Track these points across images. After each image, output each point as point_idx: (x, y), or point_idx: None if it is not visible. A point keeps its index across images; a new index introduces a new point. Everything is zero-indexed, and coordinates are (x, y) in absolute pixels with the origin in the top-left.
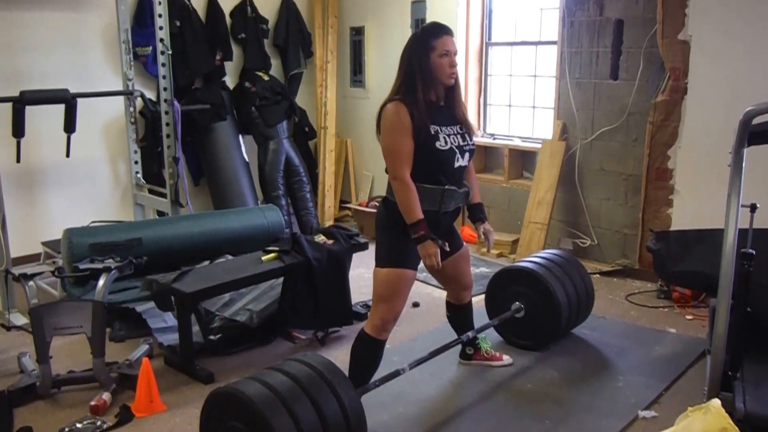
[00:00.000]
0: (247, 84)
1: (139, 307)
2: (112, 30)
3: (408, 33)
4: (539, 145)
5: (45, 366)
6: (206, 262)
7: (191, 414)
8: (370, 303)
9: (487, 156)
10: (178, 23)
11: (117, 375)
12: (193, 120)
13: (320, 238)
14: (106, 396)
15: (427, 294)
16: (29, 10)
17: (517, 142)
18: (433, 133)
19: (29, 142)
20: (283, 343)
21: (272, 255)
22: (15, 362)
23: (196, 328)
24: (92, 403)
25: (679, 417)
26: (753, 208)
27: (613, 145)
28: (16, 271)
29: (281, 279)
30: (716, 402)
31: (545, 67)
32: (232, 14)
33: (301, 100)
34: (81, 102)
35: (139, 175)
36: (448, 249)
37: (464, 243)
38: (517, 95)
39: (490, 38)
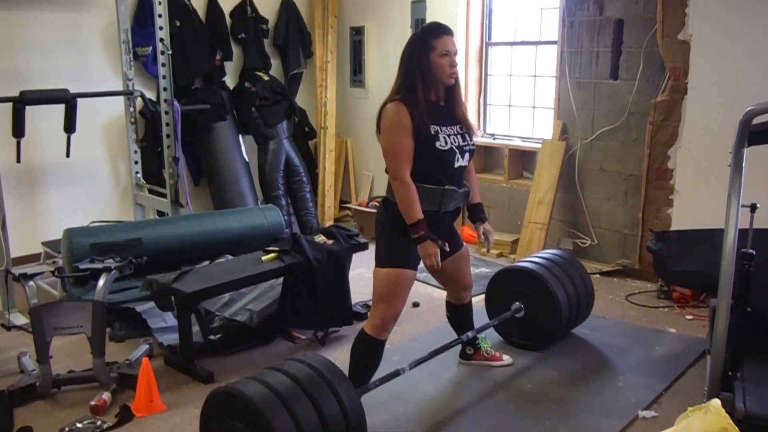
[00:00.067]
0: (247, 84)
1: (139, 307)
2: (112, 30)
3: (408, 33)
4: (539, 145)
5: (45, 366)
6: (206, 262)
7: (191, 414)
8: (370, 303)
9: (487, 156)
10: (178, 23)
11: (117, 375)
12: (193, 120)
13: (320, 238)
14: (106, 396)
15: (427, 294)
16: (29, 10)
17: (517, 142)
18: (433, 133)
19: (29, 142)
20: (283, 343)
21: (272, 255)
22: (15, 362)
23: (196, 328)
24: (92, 402)
25: (679, 417)
26: (753, 208)
27: (613, 145)
28: (16, 271)
29: (281, 279)
30: (716, 402)
31: (545, 67)
32: (232, 14)
33: (301, 100)
34: (81, 102)
35: (139, 175)
36: (447, 249)
37: (464, 243)
38: (517, 95)
39: (490, 38)
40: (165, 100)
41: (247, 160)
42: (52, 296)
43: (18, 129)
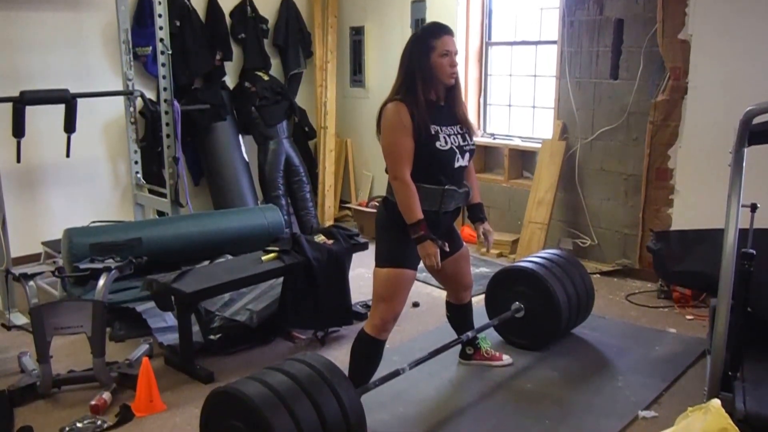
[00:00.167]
0: (247, 84)
1: (139, 307)
2: (112, 30)
3: (408, 33)
4: (539, 145)
5: (45, 365)
6: (206, 262)
7: (191, 413)
8: (370, 303)
9: (487, 156)
10: (178, 23)
11: (117, 374)
12: (193, 120)
13: (320, 238)
14: (106, 395)
15: (427, 294)
16: (29, 10)
17: (517, 142)
18: (433, 133)
19: (29, 142)
20: (283, 343)
21: (272, 255)
22: (15, 362)
23: (196, 327)
24: (92, 402)
25: (679, 417)
26: (753, 207)
27: (614, 145)
28: (17, 270)
29: (281, 279)
30: (716, 402)
31: (545, 67)
32: (231, 14)
33: (301, 100)
34: (81, 102)
35: (139, 175)
36: (447, 249)
37: (464, 243)
38: (517, 95)
39: (490, 38)
40: (165, 100)
41: (247, 160)
42: (53, 296)
43: (18, 129)
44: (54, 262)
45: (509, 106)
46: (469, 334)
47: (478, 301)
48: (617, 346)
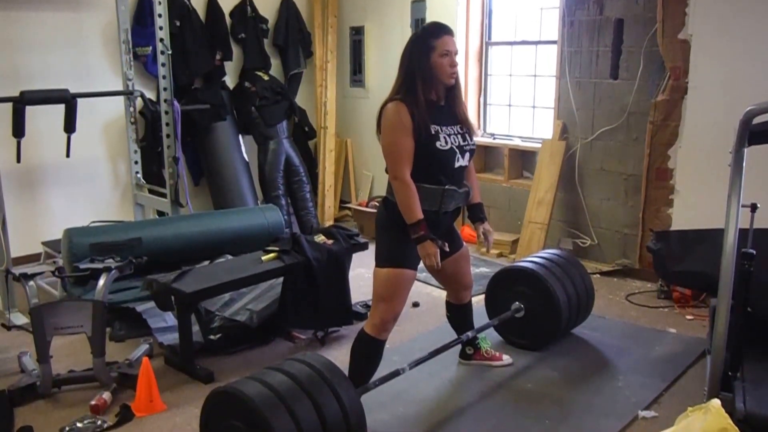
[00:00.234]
0: (247, 84)
1: (139, 307)
2: (112, 30)
3: (408, 33)
4: (539, 145)
5: (45, 365)
6: (206, 262)
7: (191, 413)
8: (370, 303)
9: (487, 156)
10: (178, 23)
11: (117, 374)
12: (193, 120)
13: (320, 238)
14: (106, 395)
15: (427, 294)
16: (30, 10)
17: (517, 142)
18: (433, 132)
19: (29, 142)
20: (283, 343)
21: (272, 255)
22: (15, 362)
23: (196, 327)
24: (92, 402)
25: (679, 417)
26: (753, 207)
27: (614, 145)
28: (17, 270)
29: (281, 279)
30: (716, 402)
31: (545, 67)
32: (231, 14)
33: (300, 99)
34: (81, 102)
35: (139, 175)
36: (447, 249)
37: (464, 243)
38: (517, 95)
39: (490, 38)
40: (165, 100)
41: (247, 160)
42: (53, 296)
43: (18, 129)
44: (54, 262)
45: (509, 106)
46: (469, 334)
47: (478, 301)
48: (617, 346)
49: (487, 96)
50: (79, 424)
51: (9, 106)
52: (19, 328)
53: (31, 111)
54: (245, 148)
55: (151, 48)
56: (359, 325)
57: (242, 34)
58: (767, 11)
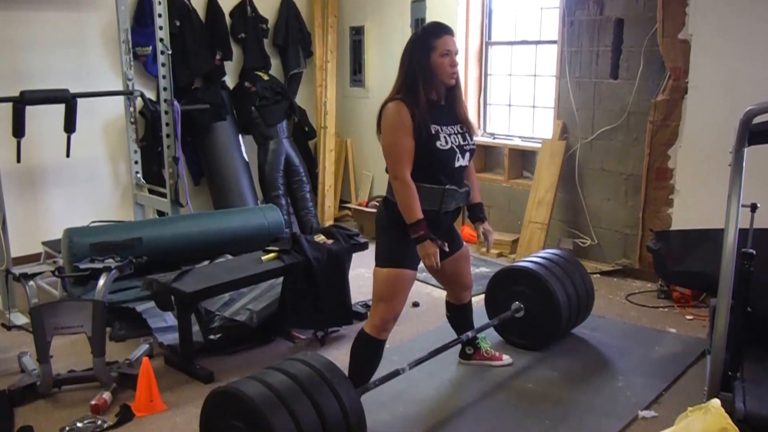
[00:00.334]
0: (247, 84)
1: (139, 307)
2: (112, 30)
3: (408, 33)
4: (539, 145)
5: (45, 365)
6: (206, 262)
7: (191, 413)
8: (370, 303)
9: (487, 156)
10: (178, 23)
11: (117, 374)
12: (193, 120)
13: (320, 238)
14: (106, 395)
15: (427, 294)
16: (30, 10)
17: (517, 142)
18: (433, 132)
19: (29, 142)
20: (283, 343)
21: (272, 255)
22: (16, 362)
23: (196, 327)
24: (93, 402)
25: (679, 417)
26: (753, 207)
27: (614, 145)
28: (17, 270)
29: (281, 279)
30: (716, 402)
31: (545, 67)
32: (231, 14)
33: (300, 99)
34: (81, 102)
35: (139, 175)
36: (447, 249)
37: (464, 243)
38: (517, 95)
39: (490, 37)
40: (165, 100)
41: (247, 160)
42: (53, 296)
43: (18, 129)
44: (54, 262)
45: (509, 105)
46: (469, 333)
47: (478, 301)
48: (617, 346)
49: (487, 96)
50: (79, 424)
51: (9, 106)
52: (19, 328)
53: (31, 111)
54: (245, 148)
55: (151, 48)
56: (359, 325)
57: (242, 33)
58: (767, 11)
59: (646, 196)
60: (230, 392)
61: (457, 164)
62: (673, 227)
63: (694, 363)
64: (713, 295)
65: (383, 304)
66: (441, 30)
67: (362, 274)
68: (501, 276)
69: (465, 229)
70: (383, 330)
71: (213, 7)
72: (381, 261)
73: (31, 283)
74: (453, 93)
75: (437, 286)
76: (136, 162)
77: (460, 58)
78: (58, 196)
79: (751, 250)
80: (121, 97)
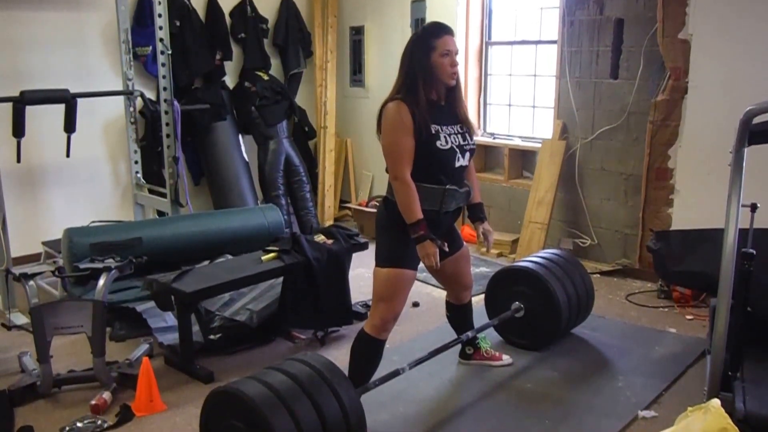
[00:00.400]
0: (246, 84)
1: (140, 307)
2: (112, 30)
3: (408, 32)
4: (539, 145)
5: (45, 365)
6: (206, 262)
7: (191, 413)
8: (370, 303)
9: (487, 155)
10: (177, 23)
11: (117, 374)
12: (193, 120)
13: (320, 238)
14: (106, 395)
15: (427, 294)
16: (30, 10)
17: (517, 142)
18: (434, 132)
19: (29, 142)
20: (283, 343)
21: (272, 255)
22: (16, 361)
23: (196, 327)
24: (93, 402)
25: (679, 417)
26: (753, 207)
27: (614, 145)
28: (17, 270)
29: (281, 279)
30: (716, 402)
31: (545, 67)
32: (231, 14)
33: (300, 99)
34: (81, 102)
35: (139, 175)
36: (447, 249)
37: (464, 243)
38: (517, 95)
39: (490, 37)
40: (165, 100)
41: (247, 159)
42: (53, 296)
43: (18, 129)
44: (54, 262)
45: (509, 105)
46: (469, 333)
47: (478, 301)
48: (617, 346)
49: (487, 96)
50: (79, 424)
51: (9, 106)
52: (20, 328)
53: (31, 111)
54: (245, 148)
55: (151, 48)
56: (359, 325)
57: (242, 33)
58: (767, 11)
59: (646, 196)
60: (230, 392)
61: (457, 164)
62: (673, 227)
63: (694, 363)
64: (713, 295)
65: (383, 304)
66: (441, 30)
67: (362, 274)
68: (501, 276)
69: (465, 229)
70: (383, 330)
71: (213, 7)
72: (381, 261)
73: (31, 283)
74: (453, 93)
75: (437, 286)
76: (136, 162)
77: (460, 58)
78: (58, 196)
79: (751, 250)
80: (121, 97)
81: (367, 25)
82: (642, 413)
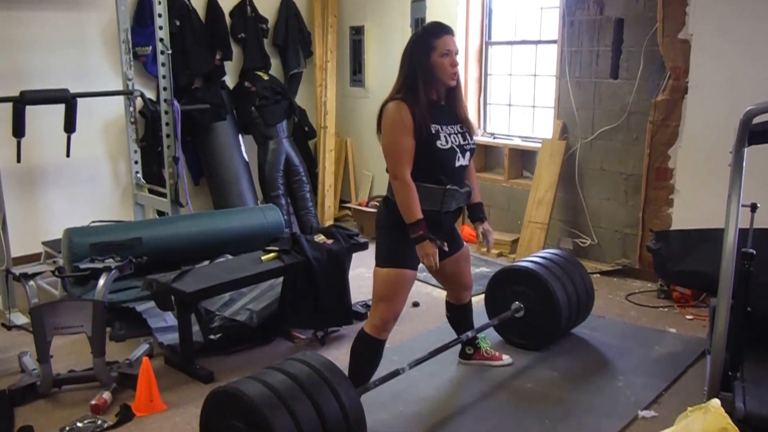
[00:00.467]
0: (246, 84)
1: (140, 307)
2: (112, 30)
3: (408, 32)
4: (539, 145)
5: (46, 365)
6: (206, 262)
7: (191, 413)
8: (370, 303)
9: (487, 155)
10: (177, 23)
11: (117, 374)
12: (193, 120)
13: (320, 238)
14: (106, 395)
15: (427, 294)
16: (30, 10)
17: (517, 142)
18: (434, 132)
19: (29, 142)
20: (283, 343)
21: (272, 255)
22: (16, 361)
23: (196, 327)
24: (93, 402)
25: (679, 417)
26: (753, 207)
27: (614, 145)
28: (17, 270)
29: (281, 279)
30: (716, 402)
31: (545, 67)
32: (231, 14)
33: (300, 99)
34: (81, 102)
35: (139, 175)
36: (446, 249)
37: (465, 243)
38: (517, 94)
39: (490, 37)
40: (165, 100)
41: (246, 159)
42: (53, 296)
43: (18, 129)
44: (54, 262)
45: (509, 105)
46: (469, 333)
47: (478, 301)
48: (617, 346)
49: (487, 96)
50: (79, 424)
51: (9, 106)
52: (20, 327)
53: (31, 111)
54: (245, 147)
55: (151, 48)
56: (359, 325)
57: (242, 33)
58: (767, 11)
59: (646, 196)
60: (230, 392)
61: (457, 164)
62: (673, 227)
63: (694, 363)
64: (713, 295)
65: (383, 304)
66: (441, 30)
67: (362, 274)
68: (501, 276)
69: (465, 229)
70: (383, 330)
71: (213, 7)
72: (381, 261)
73: (31, 283)
74: (453, 93)
75: (437, 286)
76: (136, 162)
77: (460, 58)
78: (58, 196)
79: (751, 250)
80: (121, 97)
81: (367, 25)
82: (642, 413)
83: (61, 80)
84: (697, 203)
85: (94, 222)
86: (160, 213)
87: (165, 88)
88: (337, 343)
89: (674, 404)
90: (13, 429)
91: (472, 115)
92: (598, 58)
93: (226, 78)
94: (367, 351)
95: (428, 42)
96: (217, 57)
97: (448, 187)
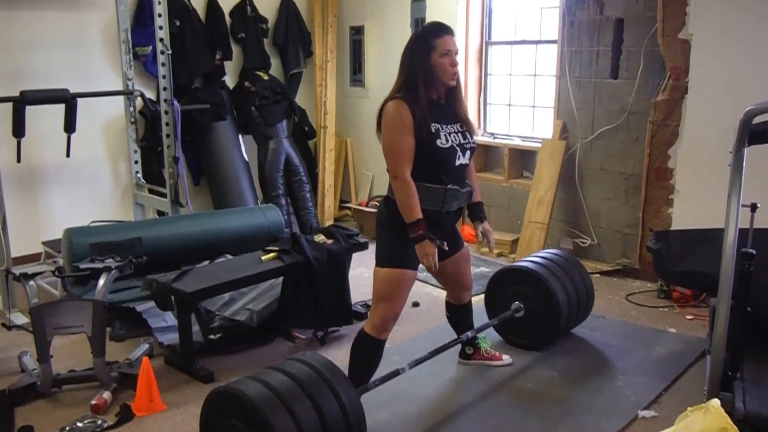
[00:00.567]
0: (246, 83)
1: (140, 307)
2: (112, 30)
3: (408, 32)
4: (539, 145)
5: (46, 365)
6: (206, 262)
7: (191, 413)
8: (370, 303)
9: (487, 155)
10: (177, 23)
11: (117, 374)
12: (193, 120)
13: (320, 238)
14: (106, 395)
15: (427, 294)
16: (30, 10)
17: (517, 142)
18: (434, 131)
19: (29, 142)
20: (283, 343)
21: (272, 255)
22: (16, 361)
23: (196, 327)
24: (93, 402)
25: (678, 417)
26: (753, 207)
27: (614, 145)
28: (17, 270)
29: (281, 278)
30: (716, 402)
31: (545, 66)
32: (231, 14)
33: (300, 99)
34: (81, 102)
35: (139, 175)
36: (446, 249)
37: (465, 243)
38: (517, 94)
39: (490, 37)
40: (165, 100)
41: (246, 159)
42: (53, 296)
43: (18, 129)
44: (54, 262)
45: (509, 105)
46: (469, 333)
47: (478, 301)
48: (617, 346)
49: (487, 95)
50: (79, 424)
51: (9, 106)
52: (20, 327)
53: (31, 111)
54: (245, 147)
55: (151, 48)
56: (359, 325)
57: (242, 33)
58: (767, 11)
59: (646, 196)
60: (230, 392)
61: (457, 163)
62: (673, 227)
63: (694, 363)
64: (713, 295)
65: (383, 304)
66: (441, 30)
67: (362, 274)
68: (501, 276)
69: (465, 229)
70: (383, 330)
71: (213, 6)
72: (381, 261)
73: (31, 283)
74: (453, 92)
75: (437, 286)
76: (136, 162)
77: (460, 58)
78: (58, 196)
79: (751, 250)
80: (121, 97)
81: (367, 25)
82: (642, 413)
83: (61, 80)
84: (697, 203)
85: (94, 222)
86: (160, 213)
87: (165, 88)
88: (337, 343)
89: (674, 404)
90: (13, 429)
91: (472, 115)
92: (598, 58)
93: (226, 78)
94: (367, 351)
95: (428, 42)
96: (217, 57)
97: (449, 186)
